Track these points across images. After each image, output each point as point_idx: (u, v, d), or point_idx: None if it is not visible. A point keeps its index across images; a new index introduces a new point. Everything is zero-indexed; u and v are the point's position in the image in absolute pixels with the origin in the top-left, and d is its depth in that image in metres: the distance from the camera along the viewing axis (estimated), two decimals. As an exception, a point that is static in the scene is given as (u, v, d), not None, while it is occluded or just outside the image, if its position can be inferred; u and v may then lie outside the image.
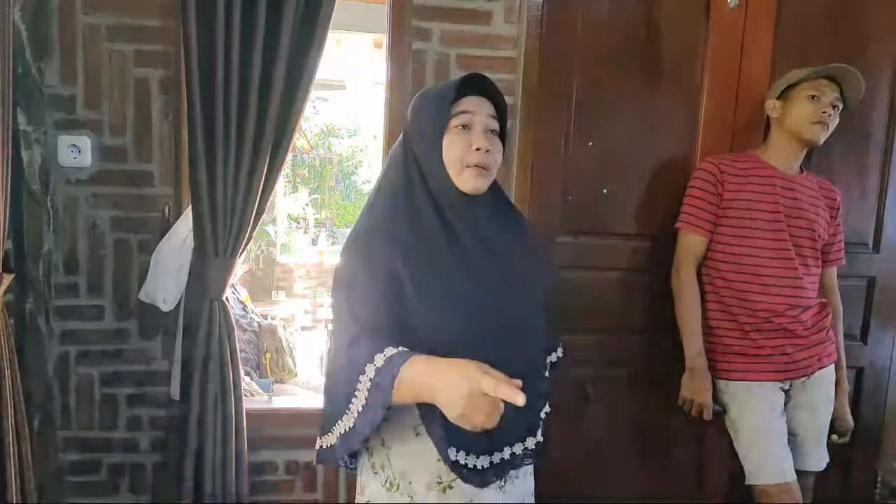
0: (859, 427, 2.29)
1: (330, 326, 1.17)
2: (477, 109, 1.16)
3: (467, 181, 1.15)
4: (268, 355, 3.92)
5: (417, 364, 1.00)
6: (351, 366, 1.05)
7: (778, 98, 1.92)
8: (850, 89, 1.86)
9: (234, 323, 1.91)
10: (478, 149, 1.14)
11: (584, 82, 2.06)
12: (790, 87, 1.89)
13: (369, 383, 1.03)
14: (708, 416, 1.86)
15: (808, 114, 1.84)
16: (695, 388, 1.88)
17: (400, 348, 1.03)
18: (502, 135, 1.22)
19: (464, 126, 1.15)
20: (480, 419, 0.94)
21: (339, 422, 1.09)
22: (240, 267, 1.96)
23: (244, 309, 4.11)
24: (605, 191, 2.09)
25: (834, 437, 2.00)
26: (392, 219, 1.15)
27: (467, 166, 1.15)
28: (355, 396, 1.05)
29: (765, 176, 1.89)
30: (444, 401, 0.97)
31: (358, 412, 1.05)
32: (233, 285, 2.23)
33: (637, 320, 2.15)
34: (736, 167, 1.92)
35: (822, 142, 1.87)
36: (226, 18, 1.73)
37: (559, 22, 2.02)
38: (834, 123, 1.87)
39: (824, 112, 1.83)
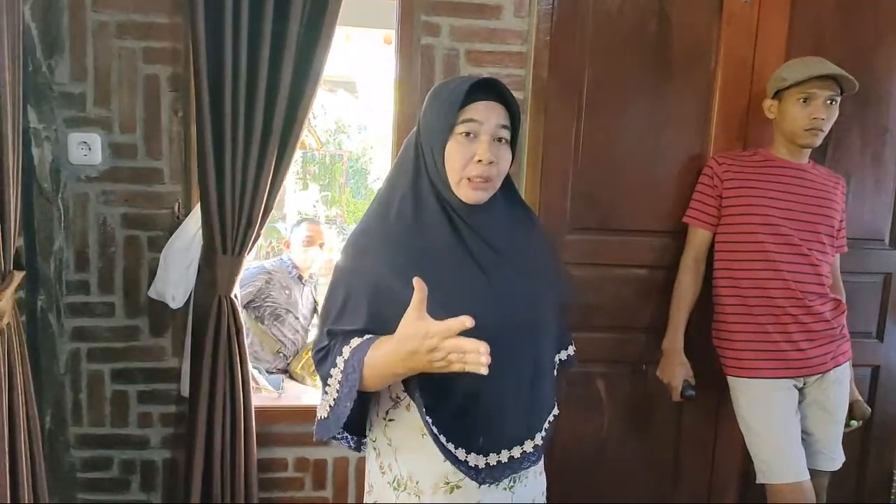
0: (874, 425, 2.26)
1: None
2: (485, 118, 1.09)
3: (465, 193, 1.11)
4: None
5: (383, 345, 1.01)
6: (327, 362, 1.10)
7: (774, 97, 1.90)
8: (843, 83, 1.83)
9: (242, 320, 1.91)
10: (479, 160, 1.09)
11: (594, 77, 2.04)
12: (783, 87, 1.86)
13: (340, 375, 1.06)
14: (675, 397, 1.96)
15: (800, 121, 1.83)
16: (666, 369, 1.99)
17: (367, 336, 1.05)
18: (513, 141, 1.16)
19: (468, 134, 1.10)
20: (444, 359, 0.93)
21: (318, 406, 1.14)
22: (249, 264, 1.96)
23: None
24: None
25: (854, 422, 2.01)
26: (397, 216, 1.13)
27: (467, 178, 1.10)
28: (326, 391, 1.10)
29: (776, 167, 1.89)
30: (410, 362, 0.97)
31: (331, 404, 1.09)
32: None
33: (648, 318, 2.13)
34: (742, 162, 1.93)
35: (818, 145, 1.87)
36: (234, 15, 1.73)
37: (569, 16, 2.00)
38: (832, 119, 1.84)
39: (815, 118, 1.81)
